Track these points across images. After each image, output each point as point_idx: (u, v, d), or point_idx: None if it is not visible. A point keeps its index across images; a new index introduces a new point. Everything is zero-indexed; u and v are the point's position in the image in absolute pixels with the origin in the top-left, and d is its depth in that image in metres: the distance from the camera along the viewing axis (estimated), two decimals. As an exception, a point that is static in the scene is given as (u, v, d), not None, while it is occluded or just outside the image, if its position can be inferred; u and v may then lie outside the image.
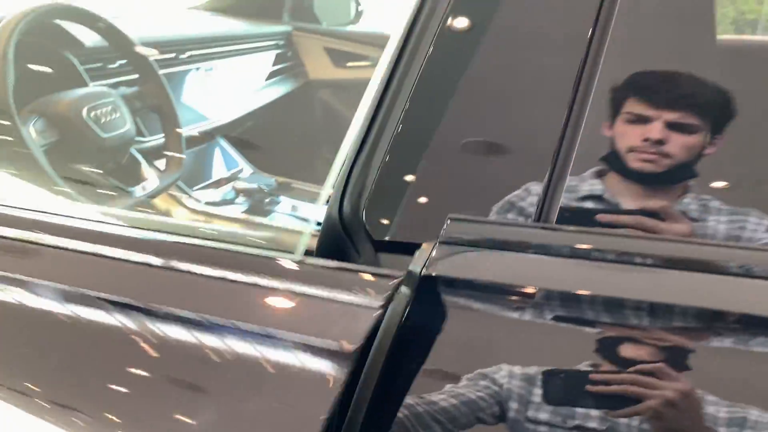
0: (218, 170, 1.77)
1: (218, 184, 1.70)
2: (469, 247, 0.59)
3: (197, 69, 1.84)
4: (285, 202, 1.65)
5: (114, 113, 1.21)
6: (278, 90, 2.29)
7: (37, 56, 1.19)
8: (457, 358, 0.57)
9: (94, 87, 1.25)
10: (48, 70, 1.36)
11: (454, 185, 0.69)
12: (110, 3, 2.21)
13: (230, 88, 1.98)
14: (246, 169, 1.84)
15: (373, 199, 0.69)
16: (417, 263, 0.58)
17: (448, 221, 0.60)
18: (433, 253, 0.58)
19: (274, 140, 2.57)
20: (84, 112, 1.16)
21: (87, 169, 1.16)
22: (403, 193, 0.69)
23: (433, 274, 0.57)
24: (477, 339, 0.57)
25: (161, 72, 1.69)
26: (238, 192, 1.58)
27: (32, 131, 1.07)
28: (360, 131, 0.73)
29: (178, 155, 1.35)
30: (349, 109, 2.50)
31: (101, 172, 1.17)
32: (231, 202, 1.62)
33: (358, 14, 2.67)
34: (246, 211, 1.56)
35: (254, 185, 1.57)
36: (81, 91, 1.21)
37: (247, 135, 2.12)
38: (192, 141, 1.74)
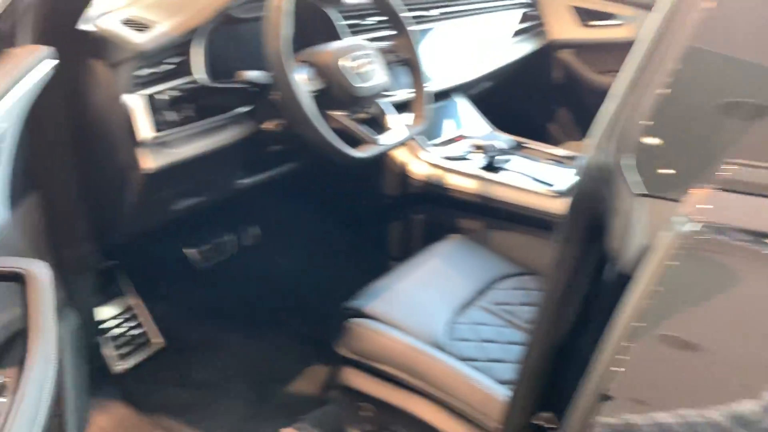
0: (456, 126, 1.80)
1: (457, 140, 1.73)
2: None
3: (443, 26, 1.87)
4: (519, 161, 1.63)
5: (370, 64, 1.29)
6: (520, 49, 2.25)
7: (301, 11, 1.29)
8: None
9: (352, 40, 1.34)
10: (309, 23, 1.48)
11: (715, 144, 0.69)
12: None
13: (472, 47, 1.99)
14: (484, 127, 1.85)
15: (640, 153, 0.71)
16: None
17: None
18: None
19: (512, 100, 2.55)
20: (342, 61, 1.25)
21: (340, 114, 1.25)
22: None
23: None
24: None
25: (411, 28, 1.76)
26: (477, 148, 1.59)
27: (303, 77, 1.18)
28: (627, 88, 0.75)
29: (423, 109, 1.39)
30: (591, 70, 2.38)
31: (354, 117, 1.26)
32: (465, 158, 1.63)
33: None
34: (484, 168, 1.57)
35: (491, 142, 1.57)
36: (341, 43, 1.30)
37: (487, 94, 2.12)
38: (434, 96, 1.79)
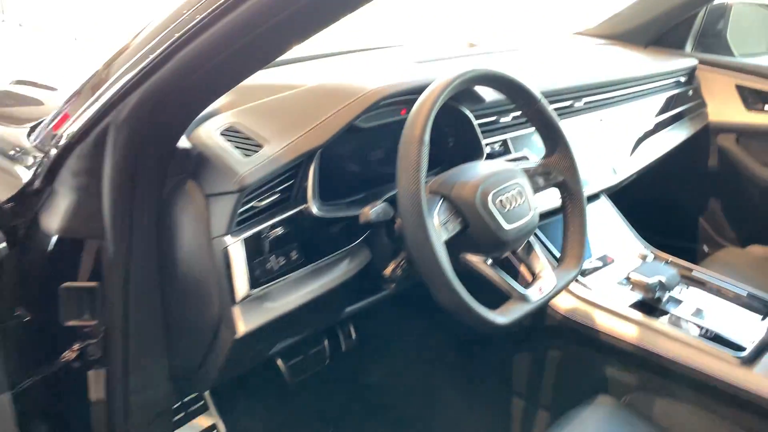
0: (602, 242, 1.49)
1: (608, 260, 1.42)
2: None
3: (586, 118, 1.58)
4: (689, 299, 1.31)
5: (519, 198, 1.03)
6: (675, 137, 1.92)
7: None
8: None
9: (497, 165, 1.08)
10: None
11: None
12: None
13: (621, 139, 1.68)
14: (634, 243, 1.53)
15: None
16: None
17: None
18: None
19: (663, 195, 2.21)
20: (488, 199, 0.99)
21: (478, 259, 0.99)
22: None
23: None
24: None
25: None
26: (635, 286, 1.28)
27: (436, 219, 0.93)
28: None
29: (582, 250, 1.11)
30: (755, 161, 2.00)
31: (493, 268, 1.00)
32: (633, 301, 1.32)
33: (784, 41, 2.13)
34: (642, 307, 1.26)
35: (652, 279, 1.26)
36: (485, 170, 1.04)
37: (634, 189, 1.80)
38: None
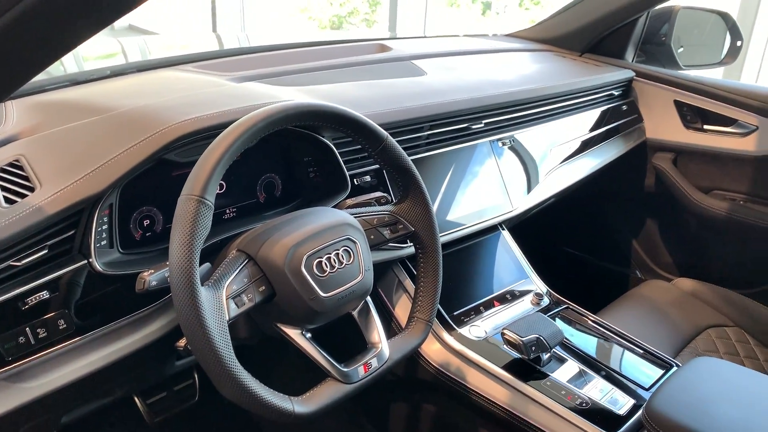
0: (490, 281, 1.34)
1: (491, 312, 1.27)
2: None
3: (493, 142, 1.42)
4: (577, 356, 1.16)
5: (346, 258, 0.87)
6: (604, 155, 1.75)
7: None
8: None
9: (333, 215, 0.91)
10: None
11: None
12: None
13: (527, 165, 1.52)
14: (528, 282, 1.38)
15: None
16: None
17: None
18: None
19: (586, 215, 2.05)
20: (303, 263, 0.84)
21: (293, 331, 0.84)
22: None
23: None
24: None
25: (446, 149, 1.31)
26: (510, 344, 1.13)
27: (224, 290, 0.78)
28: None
29: (432, 311, 0.96)
30: (691, 185, 1.84)
31: (310, 342, 0.84)
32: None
33: (734, 51, 1.95)
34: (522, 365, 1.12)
35: (529, 337, 1.11)
36: (310, 224, 0.88)
37: (565, 216, 1.64)
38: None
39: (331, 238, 0.86)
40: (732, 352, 1.49)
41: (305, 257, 0.83)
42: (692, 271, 1.82)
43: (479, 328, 1.22)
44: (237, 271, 0.81)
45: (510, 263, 1.39)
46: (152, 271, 0.80)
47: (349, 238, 0.88)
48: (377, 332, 0.93)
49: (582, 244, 2.07)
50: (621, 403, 1.08)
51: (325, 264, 0.85)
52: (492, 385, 1.12)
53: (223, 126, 0.83)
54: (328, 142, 1.08)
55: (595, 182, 1.76)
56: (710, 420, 0.93)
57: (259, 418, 1.58)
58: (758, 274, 1.75)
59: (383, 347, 0.92)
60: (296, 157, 1.12)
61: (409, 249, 1.18)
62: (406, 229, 0.98)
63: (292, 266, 0.82)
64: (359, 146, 1.17)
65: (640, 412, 1.05)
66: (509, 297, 1.32)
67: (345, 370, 0.86)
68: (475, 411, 1.15)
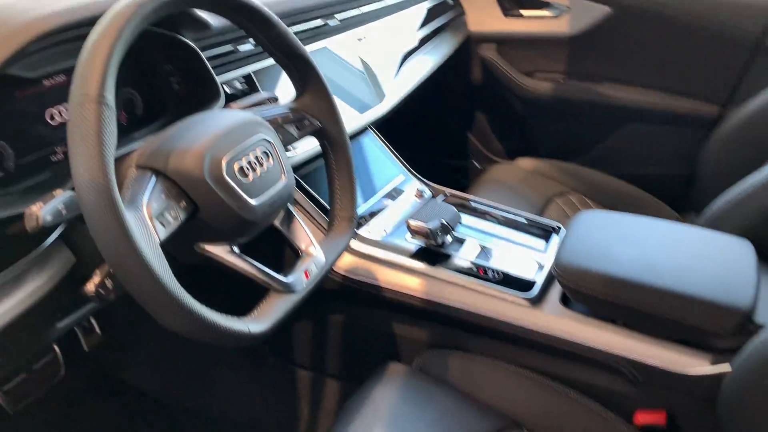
0: (372, 183, 1.32)
1: (383, 211, 1.25)
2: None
3: (340, 39, 1.35)
4: (472, 240, 1.19)
5: (266, 160, 0.77)
6: (436, 53, 1.77)
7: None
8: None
9: (237, 115, 0.80)
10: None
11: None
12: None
13: (382, 61, 1.49)
14: (406, 178, 1.38)
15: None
16: None
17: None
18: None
19: (428, 116, 2.09)
20: (225, 168, 0.72)
21: (221, 249, 0.74)
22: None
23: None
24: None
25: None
26: (416, 233, 1.12)
27: (145, 210, 0.65)
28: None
29: (353, 209, 0.90)
30: (516, 71, 1.96)
31: (241, 258, 0.75)
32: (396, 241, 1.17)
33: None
34: (424, 256, 1.12)
35: (434, 224, 1.11)
36: (217, 126, 0.76)
37: (398, 115, 1.64)
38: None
39: (244, 140, 0.76)
40: (579, 214, 1.65)
41: (224, 163, 0.72)
42: (528, 151, 1.95)
43: (377, 227, 1.19)
44: (149, 189, 0.68)
45: (386, 161, 1.37)
46: (41, 204, 0.64)
47: (264, 139, 0.79)
48: (307, 237, 0.85)
49: (423, 143, 2.11)
50: (527, 268, 1.13)
51: (247, 168, 0.75)
52: (405, 278, 1.11)
53: (95, 18, 0.67)
54: (190, 43, 0.95)
55: (430, 80, 1.78)
56: (613, 260, 1.01)
57: (135, 380, 1.43)
58: (583, 143, 1.94)
59: (317, 251, 0.85)
60: (154, 66, 0.97)
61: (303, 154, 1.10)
62: (313, 126, 0.90)
63: (213, 174, 0.71)
64: (227, 48, 1.05)
65: (548, 269, 1.11)
66: (395, 194, 1.31)
67: (286, 280, 0.78)
68: (391, 308, 1.14)
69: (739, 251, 1.03)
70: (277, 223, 0.85)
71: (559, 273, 1.02)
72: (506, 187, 1.70)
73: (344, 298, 1.17)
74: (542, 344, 1.05)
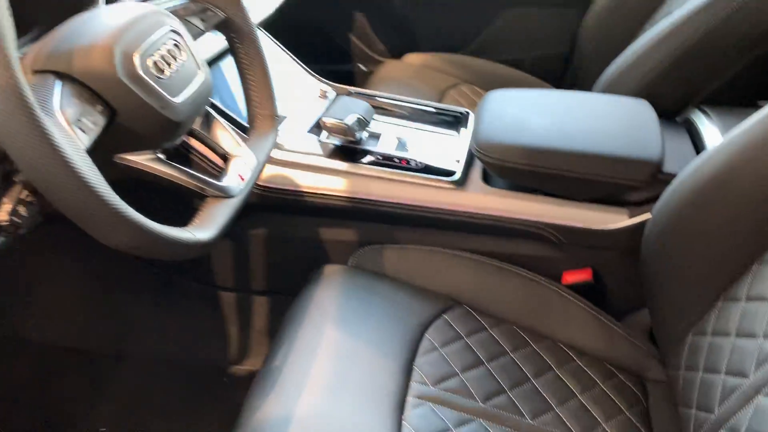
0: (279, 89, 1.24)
1: (292, 114, 1.18)
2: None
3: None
4: (388, 134, 1.17)
5: (179, 54, 0.68)
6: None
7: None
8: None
9: (134, 6, 0.69)
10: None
11: None
12: None
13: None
14: (307, 79, 1.32)
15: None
16: None
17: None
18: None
19: (312, 27, 1.98)
20: (138, 63, 0.63)
21: (144, 158, 0.66)
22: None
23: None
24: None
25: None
26: (332, 132, 1.08)
27: (60, 117, 0.56)
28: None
29: (273, 106, 0.84)
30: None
31: (168, 165, 0.67)
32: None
33: None
34: (343, 154, 1.08)
35: (350, 119, 1.07)
36: (117, 18, 0.66)
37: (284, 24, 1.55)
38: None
39: (152, 32, 0.67)
40: (472, 103, 1.67)
41: (137, 58, 0.64)
42: (412, 48, 1.93)
43: (289, 131, 1.14)
44: (57, 94, 0.59)
45: (285, 64, 1.30)
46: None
47: (172, 30, 0.70)
48: (232, 139, 0.79)
49: (305, 52, 2.02)
50: (446, 153, 1.13)
51: (161, 63, 0.67)
52: (327, 179, 1.08)
53: None
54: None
55: None
56: (530, 132, 1.03)
57: (44, 337, 1.31)
58: (466, 34, 1.94)
59: (245, 152, 0.79)
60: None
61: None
62: (217, 16, 0.82)
63: (127, 72, 0.63)
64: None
65: (467, 151, 1.12)
66: (299, 96, 1.25)
67: (221, 183, 0.73)
68: (316, 213, 1.11)
69: (640, 110, 1.09)
70: (196, 126, 0.77)
71: (480, 151, 1.03)
72: (400, 84, 1.68)
73: (265, 210, 1.12)
74: (471, 223, 1.07)
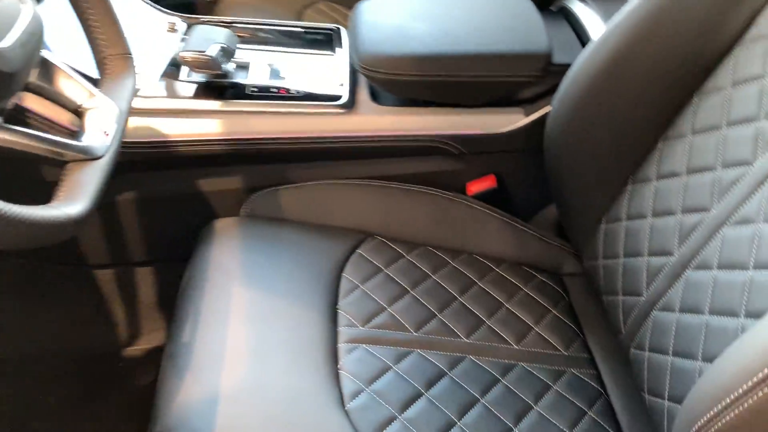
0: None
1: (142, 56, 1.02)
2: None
3: None
4: (256, 63, 1.05)
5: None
6: None
7: None
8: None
9: None
10: None
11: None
12: None
13: None
14: (147, 12, 1.14)
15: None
16: None
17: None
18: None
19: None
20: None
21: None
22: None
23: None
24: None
25: None
26: (195, 67, 0.94)
27: None
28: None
29: (124, 43, 0.68)
30: None
31: (7, 130, 0.52)
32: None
33: None
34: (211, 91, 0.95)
35: (213, 50, 0.93)
36: None
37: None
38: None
39: None
40: (334, 21, 1.56)
41: None
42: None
43: (143, 75, 0.97)
44: None
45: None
46: None
47: None
48: (83, 88, 0.64)
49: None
50: (324, 76, 1.03)
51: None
52: (198, 123, 0.95)
53: None
54: None
55: None
56: (414, 39, 0.96)
57: None
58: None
59: (102, 101, 0.65)
60: None
61: None
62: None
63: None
64: None
65: (348, 70, 1.03)
66: (144, 34, 1.07)
67: (81, 144, 0.59)
68: (192, 164, 0.98)
69: (520, 5, 1.05)
70: (33, 79, 0.62)
71: (365, 67, 0.95)
72: (252, 9, 1.53)
73: (131, 170, 0.97)
74: (367, 148, 0.99)
